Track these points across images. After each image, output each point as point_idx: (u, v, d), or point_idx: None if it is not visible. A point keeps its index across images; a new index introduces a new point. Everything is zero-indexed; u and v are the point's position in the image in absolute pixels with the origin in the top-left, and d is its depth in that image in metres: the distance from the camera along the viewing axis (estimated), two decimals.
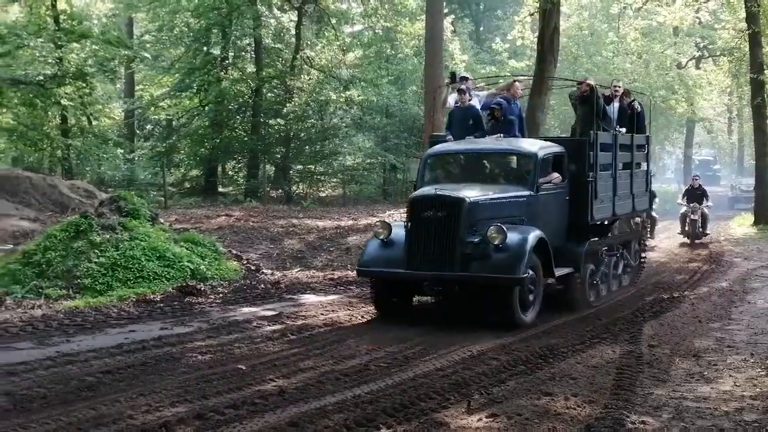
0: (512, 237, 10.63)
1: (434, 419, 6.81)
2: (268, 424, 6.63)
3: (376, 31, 36.78)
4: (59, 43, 26.63)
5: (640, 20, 41.07)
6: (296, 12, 34.68)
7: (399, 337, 10.22)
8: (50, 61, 26.74)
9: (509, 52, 41.22)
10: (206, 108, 33.86)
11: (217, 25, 32.92)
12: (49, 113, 28.30)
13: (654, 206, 20.26)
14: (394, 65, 36.26)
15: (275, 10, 35.67)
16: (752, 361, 9.02)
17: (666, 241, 22.67)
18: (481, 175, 12.35)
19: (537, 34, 23.20)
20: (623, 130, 14.20)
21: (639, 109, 15.17)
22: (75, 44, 28.04)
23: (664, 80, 44.69)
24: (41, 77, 25.64)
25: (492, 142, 12.85)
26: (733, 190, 41.74)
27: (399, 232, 11.28)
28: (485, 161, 12.66)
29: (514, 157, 12.47)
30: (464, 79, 14.39)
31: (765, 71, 26.91)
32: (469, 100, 13.44)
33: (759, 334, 10.48)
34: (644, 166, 15.68)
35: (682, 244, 22.22)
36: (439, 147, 13.12)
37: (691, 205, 22.34)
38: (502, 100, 13.35)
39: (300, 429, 6.53)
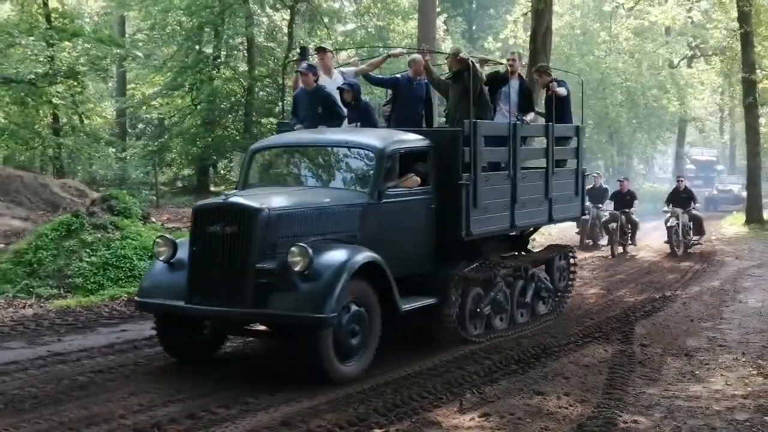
0: (321, 262, 7.88)
1: (426, 418, 6.81)
2: (261, 424, 6.63)
3: (369, 29, 36.72)
4: (51, 41, 26.49)
5: (633, 19, 41.14)
6: (289, 10, 34.56)
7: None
8: (42, 59, 26.58)
9: (502, 51, 41.14)
10: (198, 107, 33.74)
11: (209, 23, 32.82)
12: (41, 112, 28.14)
13: (634, 209, 19.99)
14: (386, 64, 36.16)
15: (268, 9, 35.60)
16: (744, 360, 9.05)
17: (656, 242, 21.74)
18: (314, 176, 9.57)
19: (530, 33, 23.19)
20: (529, 117, 11.38)
21: (564, 93, 11.85)
22: (67, 42, 27.88)
23: (656, 79, 44.79)
24: (33, 75, 25.45)
25: (326, 134, 10.02)
26: (711, 190, 39.75)
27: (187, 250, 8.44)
28: (321, 158, 9.73)
29: (354, 153, 9.29)
30: (322, 51, 11.41)
31: (757, 71, 27.03)
32: (316, 80, 10.51)
33: (750, 334, 10.51)
34: (573, 164, 12.42)
35: (668, 255, 19.42)
36: (266, 140, 11.08)
37: (677, 210, 19.49)
38: (354, 80, 10.87)
39: (292, 428, 6.53)
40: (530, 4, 23.21)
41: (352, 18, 37.69)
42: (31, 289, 12.25)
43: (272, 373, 8.33)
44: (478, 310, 10.00)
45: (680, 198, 20.11)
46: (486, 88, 11.10)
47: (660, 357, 9.21)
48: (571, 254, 12.62)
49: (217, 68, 34.12)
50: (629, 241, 20.16)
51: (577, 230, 21.34)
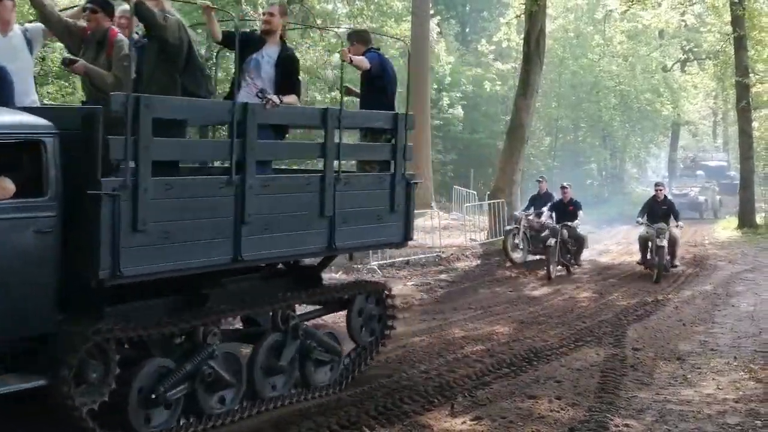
0: None
1: (418, 422, 6.79)
2: (251, 427, 6.60)
3: None
4: (43, 41, 26.48)
5: (626, 23, 41.25)
6: None
7: None
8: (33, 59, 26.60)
9: (495, 54, 41.26)
10: None
11: (201, 24, 32.82)
12: None
13: (577, 222, 16.88)
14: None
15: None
16: (735, 364, 9.06)
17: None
18: None
19: (523, 36, 23.22)
20: (289, 99, 7.59)
21: (366, 66, 8.54)
22: (58, 43, 27.86)
23: (649, 83, 44.93)
24: None
25: None
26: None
27: None
28: None
29: None
30: None
31: (750, 74, 27.09)
32: None
33: (742, 338, 10.52)
34: (390, 166, 8.46)
35: (642, 276, 16.40)
36: None
37: (656, 226, 16.00)
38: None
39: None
40: (524, 7, 23.25)
41: (346, 20, 37.67)
42: None
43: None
44: (156, 393, 6.23)
45: (660, 211, 16.56)
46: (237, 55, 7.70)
47: (652, 361, 9.21)
48: (386, 294, 8.67)
49: (210, 69, 34.12)
50: (572, 260, 17.03)
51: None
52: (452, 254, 19.02)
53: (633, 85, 44.66)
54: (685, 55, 49.11)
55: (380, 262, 16.88)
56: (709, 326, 11.39)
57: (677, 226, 16.63)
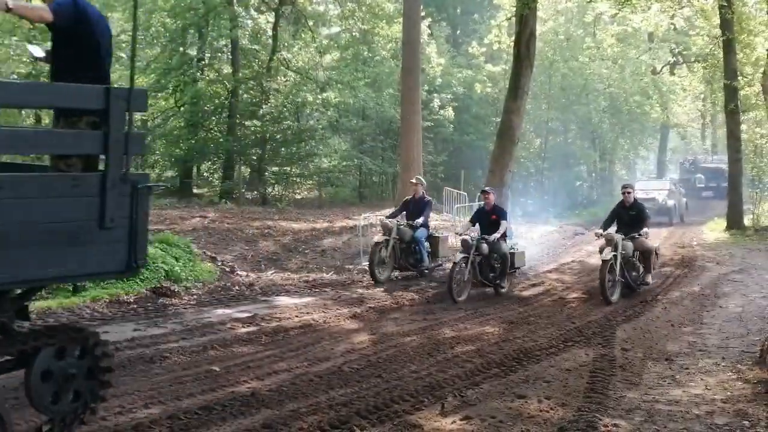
0: None
1: (408, 421, 6.82)
2: (242, 426, 6.61)
3: (353, 33, 36.75)
4: (34, 41, 26.37)
5: (616, 26, 41.37)
6: (273, 13, 34.60)
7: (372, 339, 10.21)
8: (25, 59, 26.46)
9: (486, 56, 41.33)
10: (182, 109, 33.70)
11: (193, 25, 32.78)
12: (23, 112, 28.02)
13: (508, 242, 14.87)
14: (370, 68, 36.29)
15: (252, 11, 35.58)
16: (723, 364, 9.10)
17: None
18: None
19: (513, 38, 23.28)
20: None
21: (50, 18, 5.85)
22: (50, 43, 27.80)
23: (639, 86, 45.07)
24: (15, 76, 25.34)
25: None
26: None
27: None
28: None
29: None
30: None
31: (738, 77, 27.21)
32: None
33: (730, 338, 10.57)
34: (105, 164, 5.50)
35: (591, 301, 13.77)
36: None
37: (607, 233, 14.15)
38: None
39: (273, 431, 6.52)
40: (514, 9, 23.31)
41: (337, 21, 37.70)
42: None
43: (257, 377, 8.30)
44: None
45: (627, 217, 14.68)
46: None
47: (641, 361, 9.25)
48: (94, 344, 5.85)
49: (201, 70, 34.08)
50: (497, 281, 14.49)
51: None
52: (443, 255, 19.06)
53: (622, 87, 44.82)
54: (675, 58, 49.33)
55: None
56: (698, 327, 11.44)
57: (640, 235, 14.21)
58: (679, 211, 33.81)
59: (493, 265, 14.43)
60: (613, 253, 13.63)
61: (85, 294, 12.26)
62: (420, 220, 15.71)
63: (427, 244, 16.10)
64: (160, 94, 33.79)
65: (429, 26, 38.52)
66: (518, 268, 15.32)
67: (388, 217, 16.33)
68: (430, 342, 10.18)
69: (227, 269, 15.86)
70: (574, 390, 7.92)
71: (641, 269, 14.54)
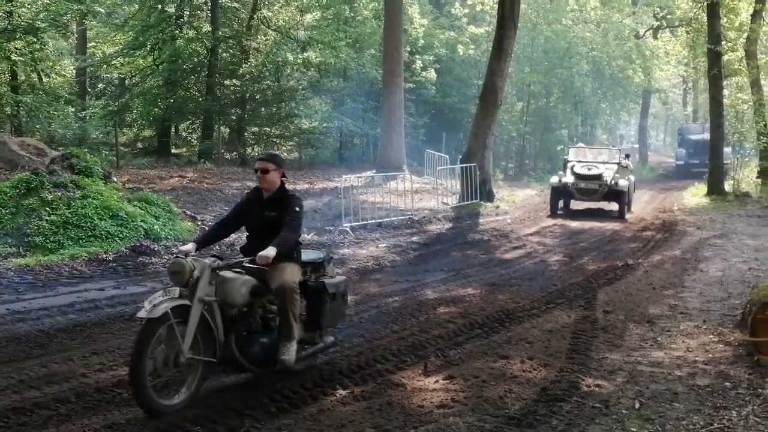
0: None
1: (391, 380, 6.79)
2: (216, 381, 6.57)
3: None
4: None
5: None
6: None
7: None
8: (0, 14, 25.99)
9: (469, 18, 41.03)
10: (160, 67, 33.26)
11: None
12: None
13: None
14: (352, 28, 35.91)
15: None
16: (704, 327, 9.12)
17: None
18: None
19: None
20: None
21: None
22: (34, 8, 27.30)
23: (622, 50, 44.97)
24: None
25: None
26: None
27: None
28: None
29: None
30: None
31: (722, 42, 27.15)
32: None
33: (711, 302, 10.60)
34: None
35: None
36: None
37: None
38: None
39: (256, 389, 6.47)
40: None
41: None
42: None
43: None
44: None
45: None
46: None
47: (622, 323, 9.26)
48: None
49: (179, 28, 33.59)
50: None
51: None
52: (424, 217, 19.02)
53: (605, 51, 44.71)
54: (658, 23, 49.22)
55: (352, 224, 16.84)
56: (679, 290, 11.46)
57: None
58: (629, 197, 23.23)
59: None
60: None
61: (64, 252, 12.14)
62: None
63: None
64: (138, 52, 33.31)
65: None
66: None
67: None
68: (412, 303, 10.15)
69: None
70: (557, 351, 7.92)
71: None
